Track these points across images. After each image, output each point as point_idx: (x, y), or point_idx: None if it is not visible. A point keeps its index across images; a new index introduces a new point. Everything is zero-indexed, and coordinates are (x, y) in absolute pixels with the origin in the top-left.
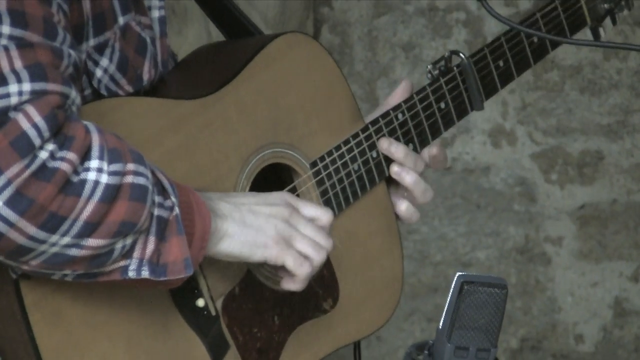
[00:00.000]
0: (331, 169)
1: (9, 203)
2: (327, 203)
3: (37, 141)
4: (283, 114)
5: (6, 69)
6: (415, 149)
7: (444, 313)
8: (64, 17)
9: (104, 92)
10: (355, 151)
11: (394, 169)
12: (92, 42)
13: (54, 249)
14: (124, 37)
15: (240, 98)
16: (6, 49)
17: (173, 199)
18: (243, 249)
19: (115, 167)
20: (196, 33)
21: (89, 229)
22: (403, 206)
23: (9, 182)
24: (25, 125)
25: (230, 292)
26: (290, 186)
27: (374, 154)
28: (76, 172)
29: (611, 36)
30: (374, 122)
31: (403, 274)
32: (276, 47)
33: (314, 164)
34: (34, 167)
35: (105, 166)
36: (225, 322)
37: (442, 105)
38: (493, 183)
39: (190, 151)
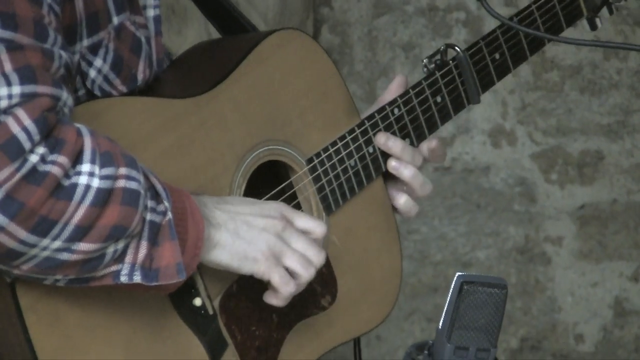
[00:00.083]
0: (327, 165)
1: None
2: (324, 199)
3: (27, 145)
4: (278, 111)
5: None
6: (412, 144)
7: (444, 313)
8: (55, 18)
9: (97, 92)
10: (352, 147)
11: (392, 164)
12: (85, 42)
13: (45, 253)
14: (119, 37)
15: (235, 96)
16: None
17: (166, 203)
18: (232, 260)
19: (107, 171)
20: (196, 33)
21: (80, 233)
22: (402, 199)
23: None
24: (15, 128)
25: (227, 291)
26: (286, 183)
27: (371, 150)
28: (67, 175)
29: (611, 36)
30: (370, 117)
31: (402, 270)
32: (269, 44)
33: (310, 161)
34: (24, 170)
35: (96, 170)
36: (223, 320)
37: (439, 99)
38: (493, 183)
39: (185, 150)
